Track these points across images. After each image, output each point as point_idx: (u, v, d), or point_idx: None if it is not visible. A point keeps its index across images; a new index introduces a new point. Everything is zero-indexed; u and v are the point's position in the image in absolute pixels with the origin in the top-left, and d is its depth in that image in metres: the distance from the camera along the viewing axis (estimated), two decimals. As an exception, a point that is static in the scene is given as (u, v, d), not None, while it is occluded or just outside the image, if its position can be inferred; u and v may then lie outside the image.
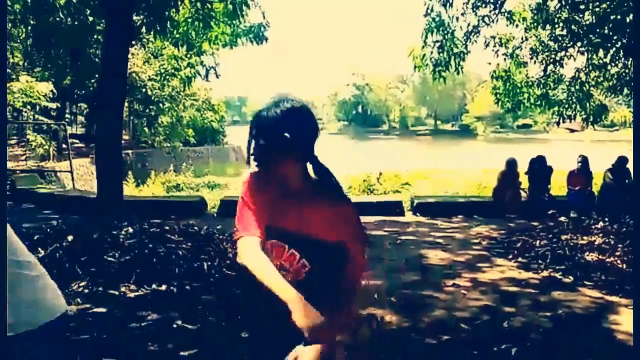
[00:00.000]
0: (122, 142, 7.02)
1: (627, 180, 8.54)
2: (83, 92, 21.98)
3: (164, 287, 4.63)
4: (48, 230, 5.87)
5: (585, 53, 9.27)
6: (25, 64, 19.10)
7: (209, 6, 7.72)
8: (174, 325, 3.83)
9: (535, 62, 9.79)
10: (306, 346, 1.35)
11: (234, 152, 35.54)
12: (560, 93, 10.28)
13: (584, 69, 9.66)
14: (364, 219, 8.59)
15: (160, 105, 25.35)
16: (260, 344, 1.73)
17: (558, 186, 10.35)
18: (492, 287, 4.99)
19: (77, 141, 23.01)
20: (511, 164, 9.45)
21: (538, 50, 9.62)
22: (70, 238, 5.22)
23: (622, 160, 8.67)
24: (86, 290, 4.48)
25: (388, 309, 4.25)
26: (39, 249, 5.15)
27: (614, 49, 8.57)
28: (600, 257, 5.76)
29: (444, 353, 3.50)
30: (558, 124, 10.92)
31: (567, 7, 8.66)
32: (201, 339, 3.62)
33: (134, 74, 21.37)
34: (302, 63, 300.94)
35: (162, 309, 4.16)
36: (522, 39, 9.74)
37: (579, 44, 9.11)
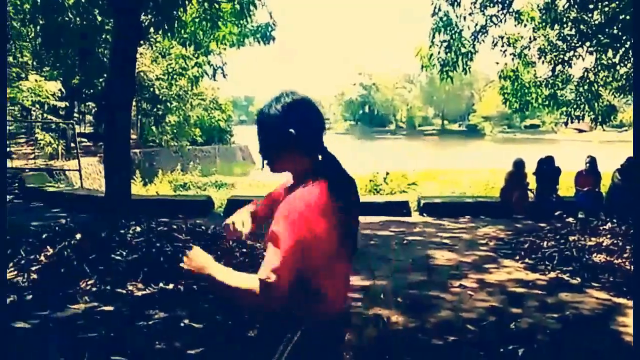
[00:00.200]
0: (130, 141, 7.05)
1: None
2: (91, 91, 22.09)
3: (171, 286, 4.66)
4: (56, 228, 5.92)
5: (594, 53, 9.21)
6: (35, 63, 19.24)
7: (217, 6, 7.74)
8: (181, 324, 3.84)
9: (543, 62, 9.74)
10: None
11: (240, 152, 35.64)
12: (568, 93, 10.22)
13: (592, 69, 9.60)
14: (370, 219, 8.60)
15: (168, 104, 25.45)
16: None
17: (566, 187, 10.29)
18: (499, 288, 4.97)
19: (85, 140, 23.14)
20: (519, 164, 9.40)
21: (546, 50, 9.57)
22: (78, 236, 5.26)
23: (631, 160, 8.60)
24: (94, 289, 4.51)
25: (394, 309, 4.24)
26: (48, 247, 5.20)
27: (623, 49, 8.51)
28: (608, 258, 5.73)
29: (450, 354, 3.50)
30: (566, 124, 10.82)
31: (576, 6, 8.61)
32: (208, 337, 3.64)
33: (141, 74, 21.47)
34: (309, 63, 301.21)
35: (169, 307, 4.18)
36: (530, 38, 9.69)
37: (587, 43, 9.05)
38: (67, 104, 19.57)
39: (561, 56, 9.50)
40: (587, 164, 9.17)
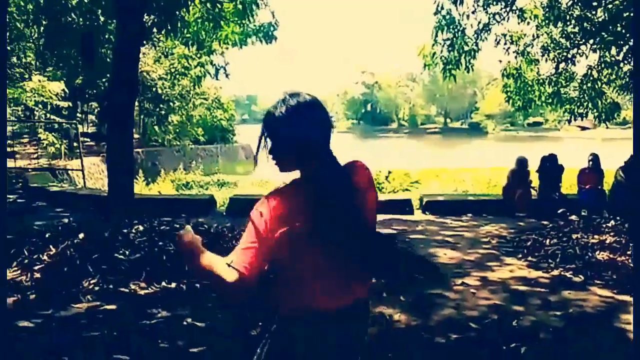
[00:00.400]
0: (133, 140, 7.07)
1: None
2: (94, 91, 22.16)
3: (173, 285, 4.67)
4: (60, 228, 5.94)
5: (598, 50, 9.17)
6: (38, 63, 19.31)
7: (219, 6, 7.75)
8: (184, 323, 3.86)
9: (546, 59, 9.71)
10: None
11: (243, 151, 35.63)
12: (572, 91, 10.18)
13: (596, 66, 9.56)
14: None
15: (171, 104, 25.48)
16: None
17: (569, 184, 10.27)
18: (502, 286, 4.97)
19: (88, 140, 23.20)
20: (521, 162, 9.39)
21: (550, 47, 9.53)
22: (81, 236, 5.27)
23: (634, 158, 8.57)
24: (97, 288, 4.52)
25: (397, 307, 4.24)
26: (51, 246, 5.22)
27: (627, 46, 8.47)
28: (611, 256, 5.71)
29: (453, 352, 3.50)
30: (569, 121, 10.78)
31: (579, 4, 8.58)
32: (210, 336, 3.65)
33: (144, 73, 21.50)
34: (312, 62, 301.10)
35: (171, 306, 4.19)
36: (533, 36, 9.66)
37: (591, 41, 9.02)
38: (70, 104, 19.60)
39: (564, 54, 9.47)
40: (590, 162, 9.14)
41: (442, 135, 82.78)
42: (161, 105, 25.35)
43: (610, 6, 8.30)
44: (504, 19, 9.14)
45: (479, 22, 9.14)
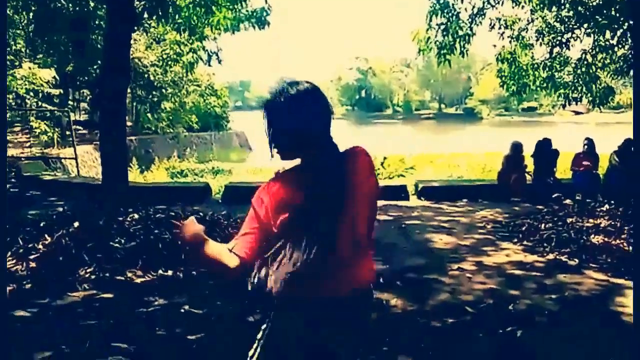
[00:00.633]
0: (126, 128, 7.00)
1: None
2: (86, 78, 21.92)
3: (170, 273, 4.67)
4: (54, 217, 5.91)
5: (592, 34, 9.13)
6: (28, 50, 19.06)
7: (211, -10, 7.64)
8: (181, 310, 3.86)
9: (541, 44, 9.65)
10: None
11: (237, 138, 35.51)
12: (566, 75, 10.14)
13: (590, 50, 9.53)
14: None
15: (163, 91, 25.28)
16: None
17: (563, 169, 10.30)
18: (497, 271, 5.00)
19: (80, 128, 22.99)
20: (516, 147, 9.41)
21: (544, 32, 9.48)
22: (76, 225, 5.25)
23: (628, 142, 8.61)
24: (93, 277, 4.52)
25: (393, 292, 4.26)
26: (46, 235, 5.19)
27: (621, 30, 8.44)
28: (605, 239, 5.75)
29: (449, 336, 3.52)
30: (564, 106, 10.77)
31: (574, -13, 8.52)
32: (208, 323, 3.65)
33: (136, 60, 21.27)
34: (305, 47, 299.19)
35: (168, 294, 4.20)
36: (527, 20, 9.60)
37: (585, 25, 8.97)
38: (61, 91, 19.39)
39: (559, 38, 9.43)
40: (585, 146, 9.17)
41: (437, 121, 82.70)
42: (154, 92, 25.13)
43: (604, -11, 8.24)
44: (498, 2, 9.06)
45: (474, 7, 9.05)
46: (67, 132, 17.29)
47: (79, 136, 19.10)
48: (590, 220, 6.42)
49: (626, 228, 5.89)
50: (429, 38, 9.17)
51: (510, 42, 9.73)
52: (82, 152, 17.09)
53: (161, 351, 3.25)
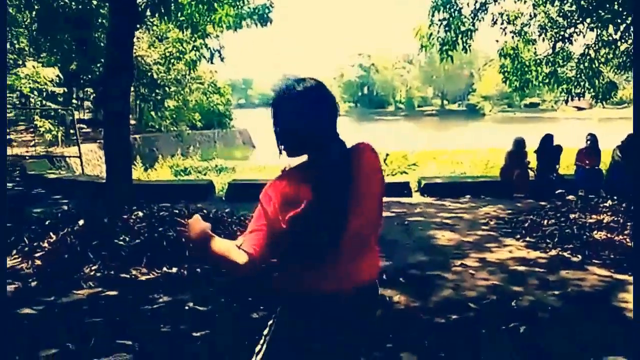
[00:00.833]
0: (130, 126, 7.01)
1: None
2: (89, 76, 21.96)
3: (174, 270, 4.70)
4: (59, 215, 5.94)
5: (595, 29, 9.10)
6: (31, 49, 19.09)
7: (213, -12, 7.65)
8: (186, 307, 3.88)
9: (543, 39, 9.62)
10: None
11: (240, 136, 35.49)
12: (569, 70, 10.12)
13: (593, 45, 9.50)
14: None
15: (166, 89, 25.28)
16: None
17: (566, 165, 10.28)
18: (500, 267, 5.01)
19: (84, 126, 23.03)
20: (519, 143, 9.39)
21: (547, 27, 9.45)
22: (81, 222, 5.28)
23: (631, 137, 8.58)
24: (98, 274, 4.54)
25: (396, 289, 4.28)
26: (51, 233, 5.23)
27: (624, 25, 8.41)
28: (608, 235, 5.75)
29: (452, 332, 3.53)
30: (566, 102, 10.74)
31: (576, -18, 8.49)
32: (212, 320, 3.67)
33: (139, 58, 21.28)
34: (308, 44, 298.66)
35: (173, 291, 4.22)
36: (530, 15, 9.57)
37: (588, 20, 8.94)
38: (65, 89, 19.42)
39: (561, 33, 9.40)
40: (588, 142, 9.16)
41: (439, 117, 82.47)
42: (157, 91, 25.14)
43: (607, -16, 8.21)
44: (501, -2, 9.05)
45: (476, 2, 9.03)
46: (71, 131, 17.33)
47: (83, 135, 19.14)
48: (593, 216, 6.42)
49: (629, 224, 5.88)
50: (431, 34, 9.16)
51: (512, 37, 9.71)
52: (87, 150, 17.12)
53: (166, 348, 3.28)
